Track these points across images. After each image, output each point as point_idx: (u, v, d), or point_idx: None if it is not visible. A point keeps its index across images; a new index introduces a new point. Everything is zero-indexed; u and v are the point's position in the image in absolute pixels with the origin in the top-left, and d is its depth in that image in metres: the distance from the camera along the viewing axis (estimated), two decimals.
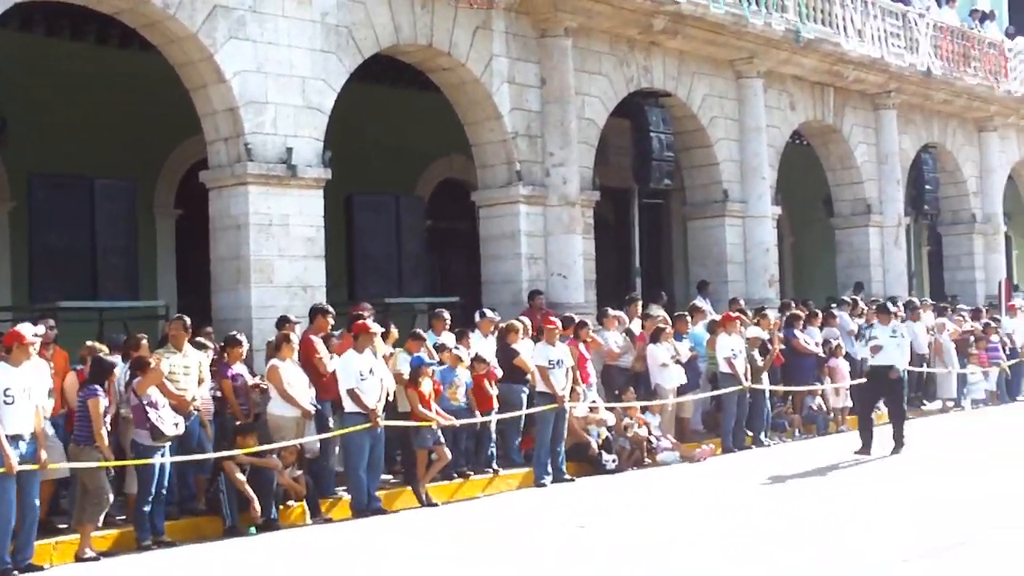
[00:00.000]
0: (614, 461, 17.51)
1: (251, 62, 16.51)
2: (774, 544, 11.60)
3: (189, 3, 15.85)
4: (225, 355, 14.67)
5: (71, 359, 13.61)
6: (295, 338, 14.71)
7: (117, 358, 13.43)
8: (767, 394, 20.11)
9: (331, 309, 15.87)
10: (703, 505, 14.44)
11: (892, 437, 18.36)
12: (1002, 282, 30.29)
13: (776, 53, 24.46)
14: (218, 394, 14.45)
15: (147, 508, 12.65)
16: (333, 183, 17.37)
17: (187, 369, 13.76)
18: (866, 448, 18.11)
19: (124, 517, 13.15)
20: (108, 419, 12.51)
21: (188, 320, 14.24)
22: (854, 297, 24.86)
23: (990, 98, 30.89)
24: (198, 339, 14.59)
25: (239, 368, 14.64)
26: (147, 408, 12.64)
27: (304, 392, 14.47)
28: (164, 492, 12.94)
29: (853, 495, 14.52)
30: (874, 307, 22.05)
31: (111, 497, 12.33)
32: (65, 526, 12.72)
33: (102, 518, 12.32)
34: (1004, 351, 26.35)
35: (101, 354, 12.86)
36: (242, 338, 14.83)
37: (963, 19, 31.53)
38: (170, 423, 12.79)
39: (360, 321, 14.96)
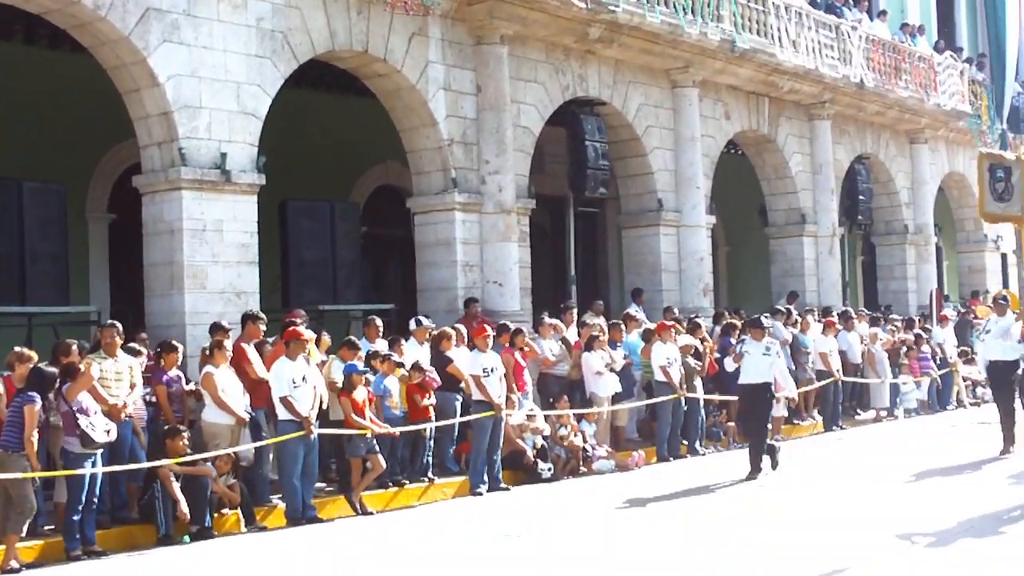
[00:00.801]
0: (550, 470, 17.48)
1: (185, 66, 16.33)
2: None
3: (121, 5, 15.65)
4: (160, 361, 14.48)
5: None
6: (229, 344, 14.55)
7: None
8: (701, 403, 20.15)
9: (262, 316, 15.74)
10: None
11: (748, 461, 17.16)
12: (933, 292, 30.58)
13: (711, 63, 24.56)
14: (153, 400, 14.27)
15: (76, 517, 12.45)
16: (268, 189, 17.22)
17: (119, 375, 13.59)
18: (756, 471, 17.07)
19: (53, 527, 12.93)
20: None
21: (120, 326, 14.04)
22: (788, 307, 24.98)
23: (921, 111, 31.23)
24: (131, 344, 14.40)
25: (174, 373, 14.46)
26: (77, 415, 12.45)
27: (239, 399, 14.33)
28: (95, 501, 12.73)
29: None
30: (803, 315, 22.29)
31: (35, 506, 12.10)
32: None
33: (26, 527, 12.07)
34: (935, 361, 26.62)
35: (40, 364, 12.56)
36: (177, 344, 14.66)
37: (894, 33, 31.86)
38: (101, 430, 12.60)
39: (292, 328, 14.83)
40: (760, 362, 17.37)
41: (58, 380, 12.79)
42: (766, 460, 17.31)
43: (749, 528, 12.85)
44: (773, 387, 17.83)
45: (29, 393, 12.07)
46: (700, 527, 13.04)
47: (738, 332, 19.87)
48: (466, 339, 17.60)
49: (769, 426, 18.04)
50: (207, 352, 14.54)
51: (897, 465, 17.31)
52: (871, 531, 12.09)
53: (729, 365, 18.22)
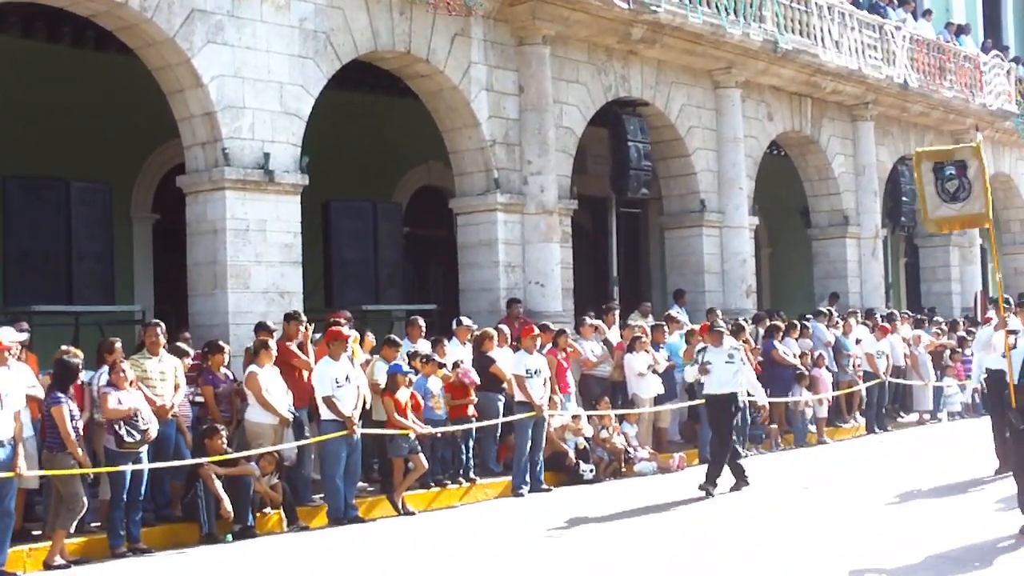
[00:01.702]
0: (591, 471, 17.45)
1: (229, 67, 16.41)
2: None
3: (167, 6, 15.75)
4: (207, 361, 14.55)
5: (45, 364, 13.45)
6: (273, 344, 14.61)
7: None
8: (745, 405, 20.05)
9: (303, 316, 15.78)
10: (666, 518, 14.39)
11: (706, 474, 16.01)
12: (977, 294, 30.37)
13: (754, 63, 24.48)
14: (199, 399, 14.33)
15: (120, 514, 12.52)
16: (310, 189, 17.29)
17: (163, 375, 13.65)
18: (741, 482, 16.26)
19: (99, 524, 13.02)
20: (80, 424, 12.39)
21: (163, 325, 14.11)
22: (829, 308, 24.85)
23: (966, 111, 30.99)
24: (178, 344, 14.48)
25: (222, 373, 14.52)
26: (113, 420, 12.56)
27: (282, 399, 14.37)
28: (139, 498, 12.81)
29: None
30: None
31: (85, 503, 12.19)
32: (39, 533, 12.59)
33: (75, 524, 12.17)
34: None
35: (64, 356, 12.50)
36: (224, 344, 14.72)
37: (939, 32, 31.65)
38: (138, 431, 12.63)
39: (334, 327, 14.86)
40: (723, 371, 16.28)
41: (93, 374, 12.94)
42: (734, 480, 16.23)
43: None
44: (751, 396, 17.38)
45: (55, 394, 12.07)
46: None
47: (698, 338, 18.15)
48: (508, 339, 17.60)
49: (739, 439, 17.51)
50: (252, 352, 14.59)
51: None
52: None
53: (689, 375, 17.29)
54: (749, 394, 17.59)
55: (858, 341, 23.34)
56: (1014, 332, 12.90)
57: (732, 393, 16.38)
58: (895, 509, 14.26)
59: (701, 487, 15.71)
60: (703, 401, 17.74)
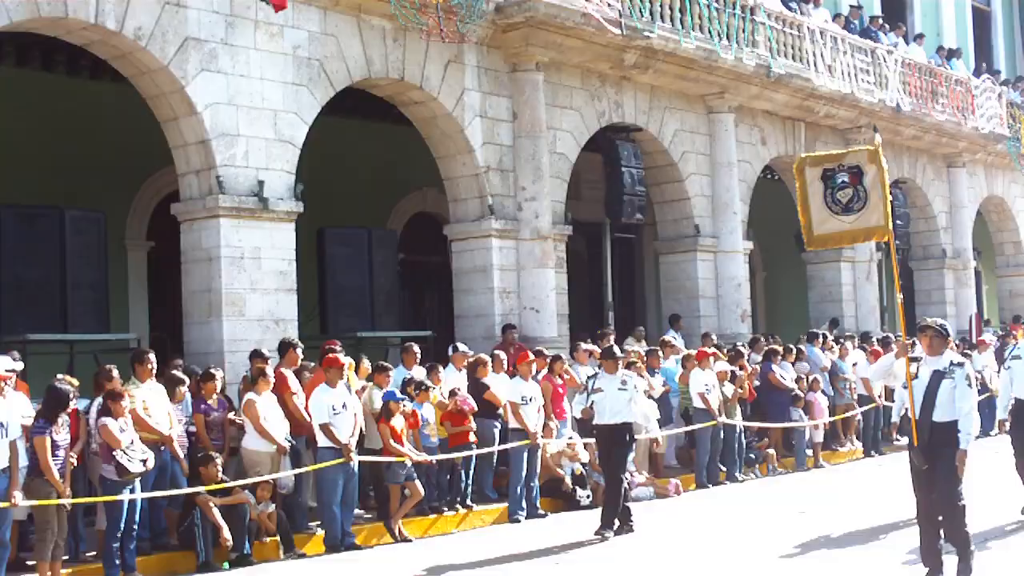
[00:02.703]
0: (588, 497, 17.41)
1: (223, 95, 16.43)
2: None
3: (160, 35, 15.78)
4: (200, 389, 14.52)
5: (41, 393, 13.39)
6: (271, 372, 14.58)
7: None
8: (740, 430, 20.06)
9: (299, 343, 15.77)
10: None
11: (600, 515, 14.95)
12: (972, 317, 30.37)
13: (747, 88, 24.54)
14: (192, 428, 14.30)
15: (116, 544, 12.46)
16: (305, 216, 17.29)
17: (159, 403, 13.61)
18: (606, 527, 14.77)
19: (95, 553, 12.96)
20: (74, 454, 12.32)
21: (152, 354, 14.05)
22: (824, 332, 24.85)
23: (958, 134, 31.10)
24: (173, 373, 14.46)
25: (214, 401, 14.48)
26: (112, 448, 12.47)
27: (280, 427, 14.34)
28: (135, 527, 12.75)
29: None
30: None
31: (55, 532, 11.99)
32: (33, 563, 12.52)
33: (51, 552, 11.96)
34: (976, 386, 26.32)
35: (56, 383, 12.35)
36: (217, 371, 14.68)
37: (930, 56, 31.77)
38: (138, 459, 12.61)
39: (330, 355, 14.84)
40: (616, 399, 15.00)
41: (87, 402, 12.87)
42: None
43: None
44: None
45: (39, 423, 11.92)
46: None
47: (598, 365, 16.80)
48: (504, 365, 17.58)
49: (630, 477, 16.33)
50: (249, 379, 14.56)
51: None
52: None
53: (578, 403, 16.19)
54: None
55: (854, 365, 23.33)
56: (916, 360, 11.26)
57: (625, 424, 15.09)
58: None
59: (596, 532, 14.64)
60: (699, 426, 17.75)
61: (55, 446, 11.91)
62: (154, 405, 13.58)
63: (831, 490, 18.49)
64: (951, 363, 10.99)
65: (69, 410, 12.36)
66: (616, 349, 16.22)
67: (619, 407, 15.00)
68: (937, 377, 10.90)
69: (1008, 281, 36.22)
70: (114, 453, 12.47)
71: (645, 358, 19.89)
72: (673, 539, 14.67)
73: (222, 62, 16.43)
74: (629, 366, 18.96)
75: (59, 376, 12.58)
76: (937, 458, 10.70)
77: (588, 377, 16.04)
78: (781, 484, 19.52)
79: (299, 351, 15.57)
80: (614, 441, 15.09)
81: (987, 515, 13.49)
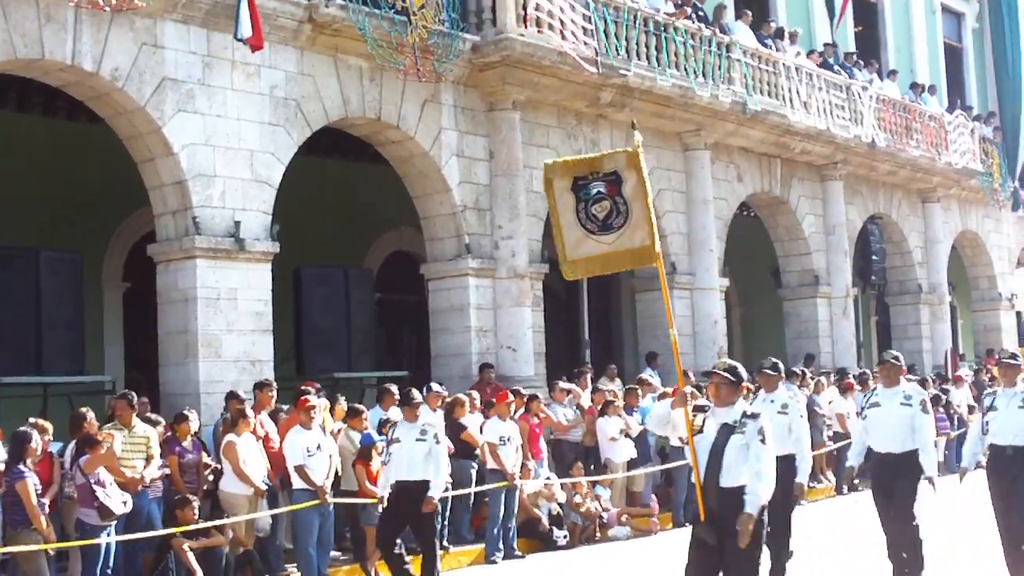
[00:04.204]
0: (565, 537, 17.39)
1: (199, 135, 16.43)
2: None
3: (137, 76, 15.78)
4: (174, 431, 14.45)
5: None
6: (251, 413, 14.54)
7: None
8: None
9: (273, 383, 15.74)
10: None
11: None
12: (948, 352, 30.48)
13: (723, 125, 24.65)
14: (167, 471, 14.23)
15: None
16: (281, 256, 17.27)
17: (136, 446, 13.56)
18: None
19: None
20: (47, 499, 12.24)
21: (133, 396, 14.02)
22: (803, 369, 24.88)
23: (932, 170, 31.26)
24: (149, 415, 14.40)
25: (188, 443, 14.40)
26: (95, 487, 12.41)
27: (259, 469, 14.27)
28: (109, 572, 12.68)
29: None
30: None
31: None
32: None
33: None
34: (952, 421, 26.47)
35: (22, 428, 12.28)
36: (190, 414, 14.61)
37: (904, 92, 31.97)
38: (118, 501, 12.58)
39: (304, 397, 14.80)
40: (414, 451, 13.44)
41: (60, 446, 12.80)
42: None
43: None
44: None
45: (16, 468, 11.84)
46: None
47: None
48: (479, 405, 17.55)
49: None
50: (230, 421, 14.51)
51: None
52: None
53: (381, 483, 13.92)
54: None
55: (830, 402, 23.38)
56: (702, 410, 9.23)
57: (424, 481, 13.43)
58: None
59: None
60: (675, 464, 17.71)
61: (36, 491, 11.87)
62: (134, 448, 13.52)
63: (810, 528, 18.48)
64: (743, 415, 9.03)
65: (39, 452, 12.28)
66: (416, 393, 14.20)
67: (416, 459, 13.39)
68: (726, 432, 8.96)
69: (983, 315, 36.37)
70: (96, 494, 12.40)
71: (620, 397, 19.89)
72: None
73: (199, 102, 16.43)
74: (606, 405, 19.05)
75: (30, 420, 12.53)
76: (728, 533, 8.80)
77: (389, 425, 14.56)
78: None
79: (272, 392, 15.53)
80: (411, 500, 13.30)
81: None
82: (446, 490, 15.10)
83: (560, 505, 17.78)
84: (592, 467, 19.14)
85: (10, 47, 14.70)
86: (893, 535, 12.19)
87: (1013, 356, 13.09)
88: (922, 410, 12.18)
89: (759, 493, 8.78)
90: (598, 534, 17.97)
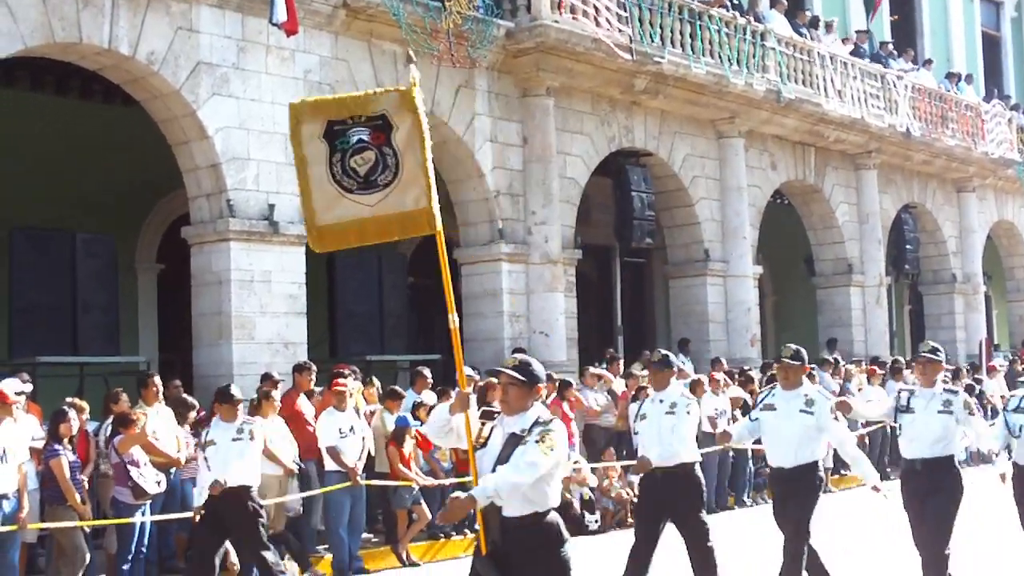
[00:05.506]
0: (597, 521, 17.42)
1: (234, 118, 16.51)
2: None
3: (173, 60, 15.88)
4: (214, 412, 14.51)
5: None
6: (277, 395, 14.59)
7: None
8: (749, 454, 20.03)
9: (312, 366, 15.79)
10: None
11: None
12: (982, 342, 30.33)
13: (757, 113, 24.59)
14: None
15: (127, 567, 12.51)
16: None
17: (166, 427, 13.64)
18: None
19: (104, 575, 12.99)
20: (84, 476, 12.37)
21: (158, 378, 14.10)
22: (835, 357, 24.83)
23: (968, 159, 31.11)
24: (184, 397, 14.49)
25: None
26: (129, 466, 12.52)
27: (287, 450, 14.32)
28: (144, 550, 12.79)
29: None
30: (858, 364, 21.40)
31: (87, 556, 12.16)
32: None
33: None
34: (985, 411, 26.33)
35: (62, 407, 12.45)
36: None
37: (940, 81, 31.80)
38: (152, 481, 12.68)
39: (337, 379, 14.85)
40: (230, 452, 11.76)
41: (96, 424, 12.91)
42: None
43: None
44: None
45: (52, 447, 12.04)
46: None
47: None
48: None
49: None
50: (255, 403, 14.57)
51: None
52: None
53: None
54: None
55: (860, 389, 23.31)
56: (491, 416, 7.35)
57: (244, 486, 11.75)
58: None
59: None
60: (706, 451, 17.64)
61: (71, 467, 11.99)
62: (161, 429, 13.61)
63: (839, 516, 18.43)
64: (537, 421, 7.03)
65: (75, 430, 12.43)
66: (236, 391, 12.53)
67: (230, 460, 11.71)
68: (512, 444, 6.99)
69: (1018, 306, 36.15)
70: (131, 474, 12.51)
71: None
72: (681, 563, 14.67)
73: (233, 86, 16.52)
74: (639, 391, 19.04)
75: (67, 399, 12.65)
76: (514, 573, 7.01)
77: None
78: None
79: (311, 374, 15.57)
80: (231, 509, 11.64)
81: None
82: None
83: (591, 490, 17.81)
84: (624, 452, 19.14)
85: (48, 31, 14.81)
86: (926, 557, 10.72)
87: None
88: (968, 413, 10.92)
89: (499, 483, 6.71)
90: (629, 519, 17.96)
